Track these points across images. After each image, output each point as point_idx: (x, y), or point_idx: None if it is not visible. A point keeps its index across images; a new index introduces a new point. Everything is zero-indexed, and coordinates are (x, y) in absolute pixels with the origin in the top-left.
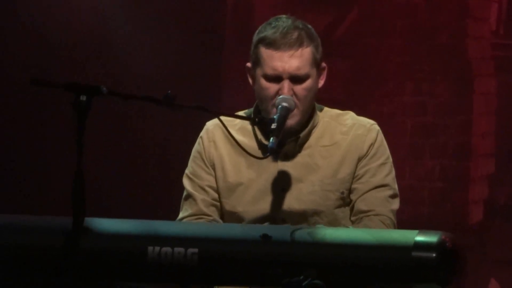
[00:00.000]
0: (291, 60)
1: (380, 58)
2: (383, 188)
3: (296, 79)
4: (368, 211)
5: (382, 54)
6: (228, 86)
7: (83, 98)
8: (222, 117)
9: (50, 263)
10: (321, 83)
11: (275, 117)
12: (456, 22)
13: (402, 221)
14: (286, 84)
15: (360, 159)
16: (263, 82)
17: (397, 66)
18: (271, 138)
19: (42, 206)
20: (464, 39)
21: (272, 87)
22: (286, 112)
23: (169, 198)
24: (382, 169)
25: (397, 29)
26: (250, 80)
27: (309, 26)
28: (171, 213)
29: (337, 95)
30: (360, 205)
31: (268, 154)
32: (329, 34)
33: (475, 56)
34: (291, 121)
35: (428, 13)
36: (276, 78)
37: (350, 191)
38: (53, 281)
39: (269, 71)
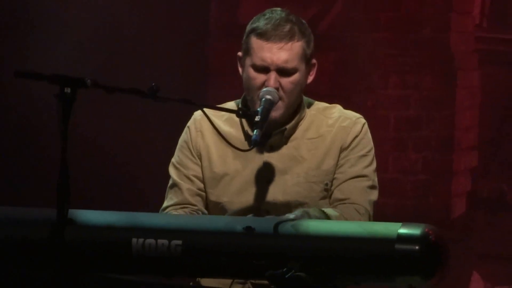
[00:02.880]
0: (280, 52)
1: (364, 51)
2: (361, 179)
3: (284, 71)
4: (344, 199)
5: (366, 47)
6: (213, 78)
7: (68, 90)
8: (208, 109)
9: (34, 255)
10: (310, 79)
11: (258, 109)
12: (439, 16)
13: (386, 214)
14: (272, 75)
15: (342, 150)
16: (251, 72)
17: (381, 59)
18: (255, 131)
19: (26, 197)
20: (447, 32)
21: (259, 78)
22: (269, 105)
23: (153, 190)
24: (363, 160)
25: (381, 22)
26: (240, 69)
27: (303, 21)
28: (155, 205)
29: (321, 88)
30: (337, 193)
31: (252, 146)
32: (313, 27)
33: (459, 49)
34: (275, 114)
35: (412, 6)
36: (264, 69)
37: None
38: (37, 273)
39: (257, 62)
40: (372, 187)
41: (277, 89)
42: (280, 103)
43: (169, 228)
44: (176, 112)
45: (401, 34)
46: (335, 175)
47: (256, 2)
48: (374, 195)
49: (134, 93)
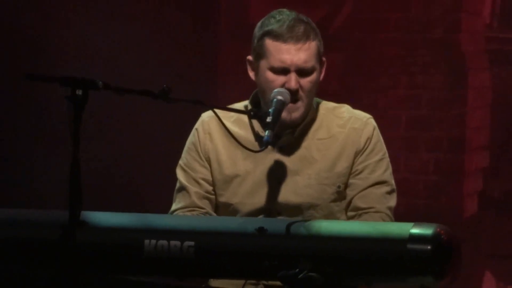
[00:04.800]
0: (299, 53)
1: (374, 52)
2: (381, 185)
3: (303, 72)
4: (368, 208)
5: (376, 48)
6: (223, 79)
7: (79, 92)
8: (217, 110)
9: (47, 257)
10: (321, 77)
11: (270, 110)
12: (449, 16)
13: (397, 214)
14: (293, 76)
15: (357, 154)
16: (269, 74)
17: (391, 60)
18: (266, 132)
19: (38, 200)
20: (458, 33)
21: (279, 79)
22: (281, 106)
23: (159, 193)
24: (380, 165)
25: (391, 23)
26: (251, 73)
27: (310, 20)
28: (162, 208)
29: (331, 89)
30: (359, 202)
31: (264, 147)
32: (323, 28)
33: (469, 49)
34: (296, 115)
35: (422, 6)
36: (283, 71)
37: (346, 185)
38: (50, 275)
39: (276, 64)
40: (391, 192)
41: (297, 90)
42: (299, 104)
43: (182, 229)
44: (183, 114)
45: (411, 35)
46: (354, 181)
47: (266, 3)
48: (393, 200)
49: (145, 94)
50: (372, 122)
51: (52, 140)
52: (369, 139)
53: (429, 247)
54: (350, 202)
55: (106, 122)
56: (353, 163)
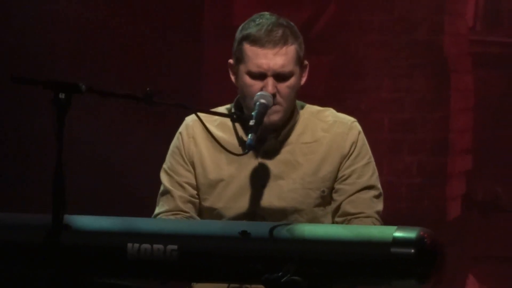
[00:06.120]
0: (276, 57)
1: (357, 54)
2: (369, 190)
3: (281, 76)
4: (357, 213)
5: (359, 50)
6: (207, 81)
7: (62, 95)
8: (201, 114)
9: (30, 260)
10: (303, 80)
11: (253, 113)
12: (433, 18)
13: (380, 217)
14: (270, 81)
15: (342, 159)
16: (247, 79)
17: (375, 62)
18: (249, 135)
19: (22, 203)
20: (441, 35)
21: (256, 84)
22: (264, 109)
23: (145, 195)
24: (367, 169)
25: (374, 25)
26: (232, 77)
27: (292, 23)
28: (148, 211)
29: (314, 91)
30: (348, 207)
31: (247, 151)
32: (306, 30)
33: (452, 52)
34: (275, 118)
35: (405, 9)
36: (260, 75)
37: (331, 190)
38: (33, 278)
39: (253, 68)
40: (379, 196)
41: (274, 94)
42: (278, 107)
43: (165, 233)
44: (170, 116)
45: (394, 37)
46: (341, 186)
47: (250, 4)
48: (381, 204)
49: (129, 98)
50: (357, 126)
51: (52, 143)
52: (354, 143)
53: (412, 251)
54: (338, 207)
55: (101, 124)
56: (338, 168)
